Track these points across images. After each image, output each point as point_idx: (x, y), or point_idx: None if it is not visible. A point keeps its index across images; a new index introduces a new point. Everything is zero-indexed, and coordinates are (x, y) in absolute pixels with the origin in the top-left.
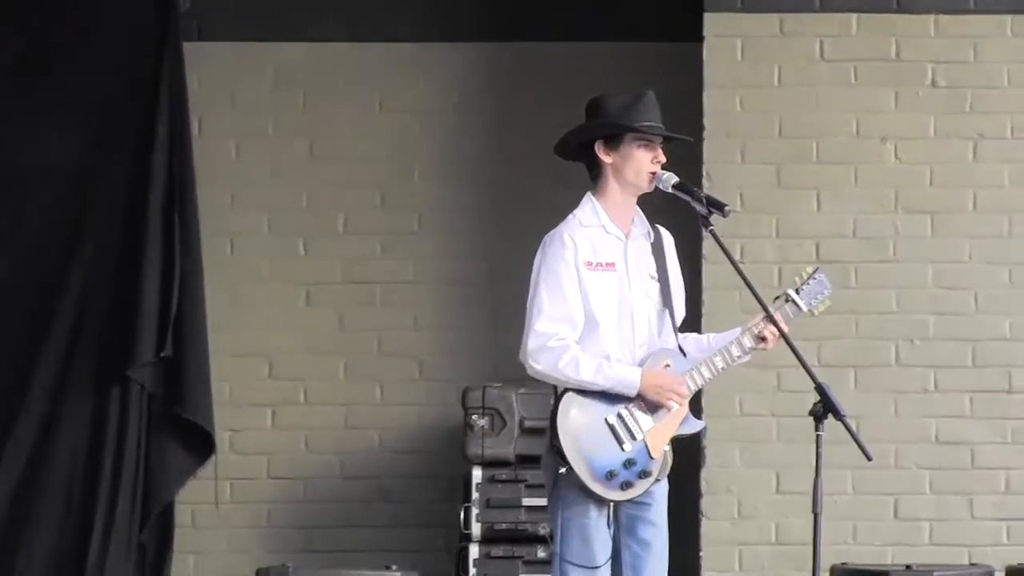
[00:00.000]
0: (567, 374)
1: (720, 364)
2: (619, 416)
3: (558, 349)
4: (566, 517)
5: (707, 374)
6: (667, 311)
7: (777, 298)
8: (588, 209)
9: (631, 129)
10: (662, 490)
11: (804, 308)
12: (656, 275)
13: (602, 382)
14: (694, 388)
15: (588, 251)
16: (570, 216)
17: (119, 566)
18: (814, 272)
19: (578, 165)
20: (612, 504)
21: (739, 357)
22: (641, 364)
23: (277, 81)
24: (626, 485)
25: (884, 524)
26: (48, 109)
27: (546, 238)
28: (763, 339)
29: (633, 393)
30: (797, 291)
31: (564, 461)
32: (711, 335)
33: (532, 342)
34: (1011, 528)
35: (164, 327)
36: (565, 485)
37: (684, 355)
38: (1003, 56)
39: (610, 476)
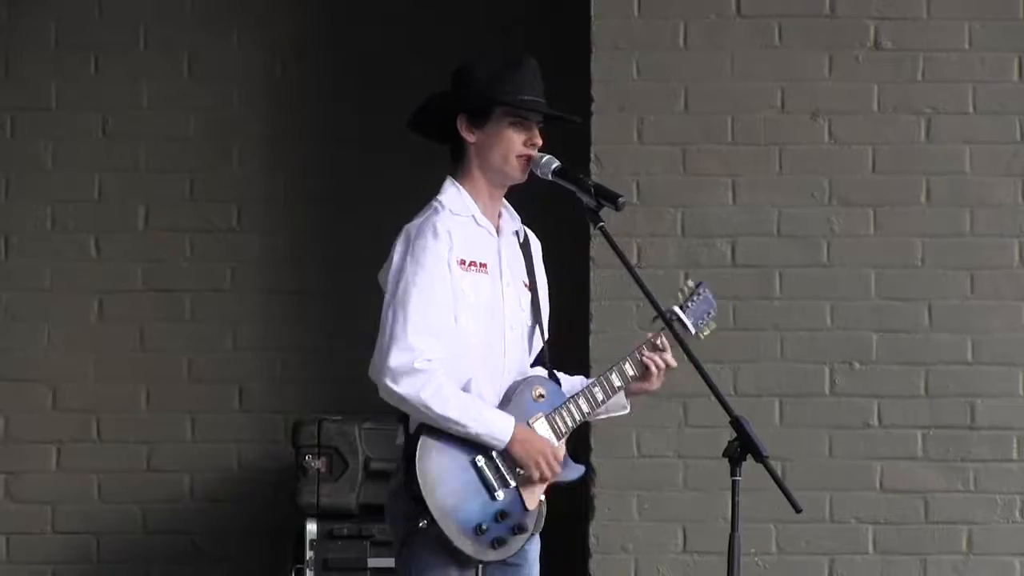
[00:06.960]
0: (430, 407)
1: (600, 395)
2: (489, 457)
3: (424, 374)
4: None
5: (585, 407)
6: (537, 329)
7: (656, 318)
8: (453, 195)
9: (500, 103)
10: (535, 549)
11: (692, 330)
12: (528, 283)
13: (471, 426)
14: (572, 426)
15: (461, 246)
16: (434, 203)
17: None
18: (697, 286)
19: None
20: (478, 567)
21: (620, 388)
22: (509, 393)
23: (60, 39)
24: (498, 542)
25: None
26: None
27: (411, 228)
28: (647, 368)
29: (499, 447)
30: (683, 308)
31: (424, 511)
32: (577, 377)
33: (396, 358)
34: None
35: None
36: (420, 543)
37: (559, 384)
38: (962, 11)
39: (479, 531)
